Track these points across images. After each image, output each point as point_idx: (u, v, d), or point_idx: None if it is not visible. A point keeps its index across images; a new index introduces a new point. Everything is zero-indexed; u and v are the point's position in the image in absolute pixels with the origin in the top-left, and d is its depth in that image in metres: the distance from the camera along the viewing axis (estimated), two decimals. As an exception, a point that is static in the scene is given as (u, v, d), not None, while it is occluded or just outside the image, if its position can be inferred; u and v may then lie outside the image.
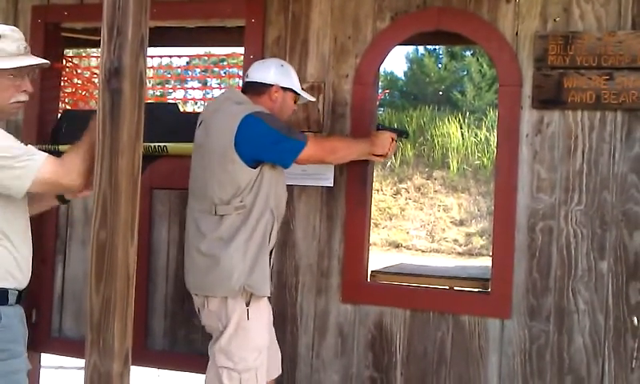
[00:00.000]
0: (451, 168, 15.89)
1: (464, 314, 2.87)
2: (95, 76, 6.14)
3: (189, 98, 7.82)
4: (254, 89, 2.68)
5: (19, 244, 2.08)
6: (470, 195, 15.36)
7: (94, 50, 5.30)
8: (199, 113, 2.85)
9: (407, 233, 14.78)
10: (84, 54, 6.05)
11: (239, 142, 2.46)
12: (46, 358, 3.75)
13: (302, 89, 2.81)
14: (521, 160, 2.81)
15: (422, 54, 20.91)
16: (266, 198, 2.54)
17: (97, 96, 1.97)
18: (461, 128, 16.49)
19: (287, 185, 2.76)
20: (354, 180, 3.00)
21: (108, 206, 1.79)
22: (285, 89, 2.69)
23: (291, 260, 3.07)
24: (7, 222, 2.03)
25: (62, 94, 4.26)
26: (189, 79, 9.90)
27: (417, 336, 2.92)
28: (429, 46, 18.75)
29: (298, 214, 3.06)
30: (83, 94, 6.04)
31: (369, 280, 3.10)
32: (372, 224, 4.03)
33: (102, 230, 1.80)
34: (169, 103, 5.89)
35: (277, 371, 2.79)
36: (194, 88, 10.22)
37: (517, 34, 2.84)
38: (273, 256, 2.65)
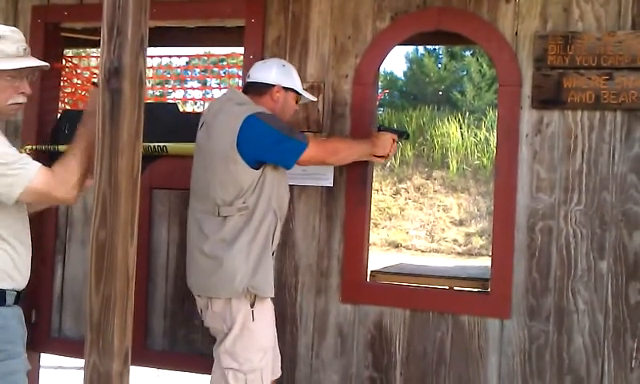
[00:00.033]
0: (451, 168, 15.89)
1: (464, 314, 2.87)
2: (95, 76, 6.15)
3: (188, 97, 7.83)
4: (255, 89, 2.68)
5: (17, 245, 2.08)
6: (470, 195, 15.36)
7: (94, 50, 5.31)
8: (199, 113, 2.85)
9: (407, 233, 14.79)
10: (84, 54, 6.06)
11: (241, 142, 2.45)
12: (46, 358, 3.75)
13: (303, 89, 2.81)
14: (520, 160, 2.81)
15: (421, 54, 20.93)
16: (268, 199, 2.54)
17: (96, 96, 1.97)
18: (460, 128, 16.49)
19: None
20: (354, 180, 3.00)
21: (108, 205, 1.79)
22: (286, 89, 2.69)
23: (291, 260, 3.07)
24: (5, 223, 2.03)
25: (61, 94, 4.26)
26: (188, 79, 9.90)
27: (416, 336, 2.92)
28: (428, 46, 18.77)
29: (298, 213, 3.06)
30: (83, 94, 6.05)
31: (368, 280, 3.10)
32: (372, 224, 4.04)
33: (101, 229, 1.80)
34: (168, 103, 5.89)
35: (277, 373, 2.79)
36: (193, 88, 10.23)
37: (516, 33, 2.84)
38: (273, 256, 2.65)
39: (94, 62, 6.53)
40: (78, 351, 2.57)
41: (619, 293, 2.70)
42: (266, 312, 2.58)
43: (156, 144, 3.25)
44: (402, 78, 21.82)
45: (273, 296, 2.59)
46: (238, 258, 2.47)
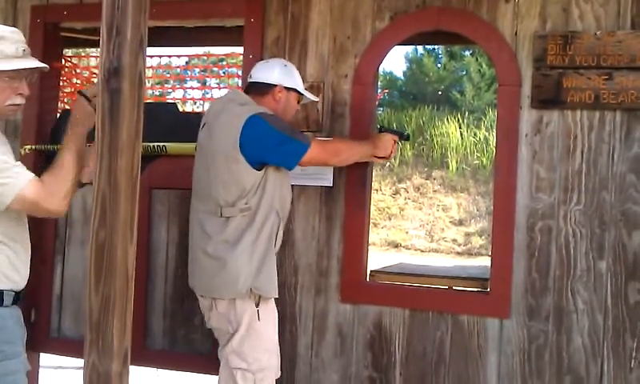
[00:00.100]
0: (450, 168, 15.89)
1: (463, 313, 2.87)
2: (94, 76, 6.14)
3: (188, 97, 7.81)
4: (257, 89, 2.67)
5: (15, 245, 2.07)
6: (469, 195, 15.36)
7: (93, 49, 5.30)
8: (198, 113, 2.85)
9: (406, 232, 14.78)
10: (83, 54, 6.04)
11: (244, 143, 2.45)
12: (45, 358, 3.75)
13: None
14: (520, 160, 2.81)
15: (421, 54, 20.92)
16: (271, 200, 2.54)
17: (96, 96, 1.97)
18: (460, 128, 16.49)
19: (286, 185, 2.76)
20: (354, 180, 3.00)
21: (107, 205, 1.79)
22: (288, 89, 2.69)
23: (290, 260, 3.07)
24: (2, 224, 2.02)
25: (61, 94, 4.26)
26: (188, 79, 9.89)
27: (416, 336, 2.92)
28: (428, 46, 18.77)
29: (298, 213, 3.06)
30: (82, 93, 6.03)
31: (368, 280, 3.10)
32: (371, 224, 4.03)
33: (101, 229, 1.80)
34: (168, 103, 5.88)
35: (277, 373, 2.79)
36: (193, 88, 10.21)
37: (516, 33, 2.84)
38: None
39: (93, 62, 6.52)
40: (78, 351, 2.57)
41: (618, 293, 2.70)
42: (270, 312, 2.58)
43: (155, 144, 3.24)
44: (402, 77, 21.83)
45: (277, 296, 2.59)
46: (242, 259, 2.47)
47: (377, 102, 3.36)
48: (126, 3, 1.78)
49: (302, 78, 2.96)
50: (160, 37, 3.52)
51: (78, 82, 6.05)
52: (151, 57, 5.99)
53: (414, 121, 17.19)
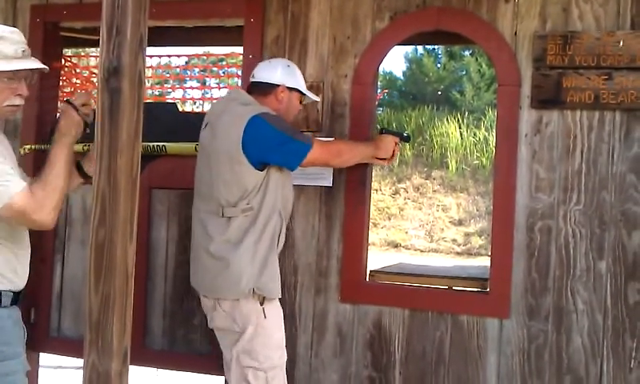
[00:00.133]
0: (450, 168, 15.90)
1: (463, 313, 2.87)
2: (94, 75, 6.14)
3: (188, 97, 7.82)
4: (259, 89, 2.67)
5: (14, 245, 2.07)
6: (469, 195, 15.37)
7: (93, 49, 5.30)
8: (198, 113, 2.85)
9: (406, 232, 14.79)
10: (83, 54, 6.05)
11: (246, 143, 2.45)
12: (45, 358, 3.75)
13: None
14: (520, 160, 2.81)
15: (420, 54, 20.93)
16: (273, 200, 2.53)
17: (96, 95, 1.96)
18: (460, 128, 16.50)
19: (286, 184, 2.76)
20: (353, 180, 3.00)
21: (107, 204, 1.79)
22: (291, 89, 2.69)
23: (290, 259, 3.07)
24: (1, 224, 2.02)
25: (60, 94, 4.26)
26: (188, 79, 9.90)
27: (415, 336, 2.92)
28: (428, 46, 18.77)
29: (297, 213, 3.06)
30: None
31: (367, 280, 3.10)
32: (371, 224, 4.03)
33: (100, 228, 1.80)
34: (168, 103, 5.89)
35: None
36: (192, 88, 10.23)
37: (516, 33, 2.84)
38: None
39: (93, 62, 6.52)
40: (77, 351, 2.57)
41: (618, 293, 2.70)
42: (276, 309, 2.58)
43: (155, 144, 3.24)
44: (402, 77, 21.84)
45: (280, 297, 2.59)
46: (244, 259, 2.47)
47: (376, 102, 3.36)
48: (126, 3, 1.78)
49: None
50: (160, 37, 3.52)
51: (78, 81, 6.06)
52: (151, 57, 6.00)
53: (414, 121, 17.20)
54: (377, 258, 7.40)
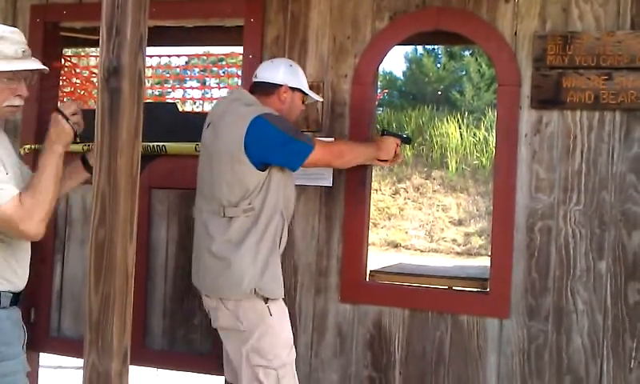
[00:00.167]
0: (450, 168, 15.89)
1: (463, 313, 2.87)
2: (94, 75, 6.14)
3: (187, 97, 7.81)
4: (262, 89, 2.66)
5: (14, 247, 2.06)
6: (469, 195, 15.37)
7: (93, 49, 5.30)
8: (198, 112, 2.85)
9: (406, 232, 14.79)
10: (83, 54, 6.05)
11: (248, 144, 2.44)
12: (45, 358, 3.75)
13: None
14: (520, 160, 2.81)
15: (420, 54, 20.93)
16: (275, 201, 2.53)
17: (95, 95, 1.96)
18: (459, 128, 16.49)
19: (286, 184, 2.76)
20: (353, 180, 3.00)
21: (107, 204, 1.79)
22: (293, 89, 2.68)
23: (290, 259, 3.07)
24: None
25: (60, 94, 4.26)
26: (187, 79, 9.90)
27: (415, 336, 2.92)
28: (428, 46, 18.78)
29: (297, 213, 3.06)
30: (82, 93, 6.04)
31: (367, 280, 3.10)
32: (371, 224, 4.03)
33: (100, 228, 1.80)
34: (167, 103, 5.89)
35: None
36: (192, 87, 10.21)
37: (516, 33, 2.84)
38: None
39: (93, 62, 6.52)
40: (77, 350, 2.57)
41: (618, 293, 2.70)
42: (281, 307, 2.58)
43: (155, 143, 3.24)
44: (401, 77, 21.84)
45: (283, 297, 2.59)
46: (246, 260, 2.47)
47: (376, 102, 3.36)
48: (126, 3, 1.78)
49: (303, 78, 2.96)
50: (160, 36, 3.52)
51: (78, 81, 6.06)
52: (151, 56, 6.00)
53: (414, 121, 17.20)
54: (377, 258, 7.40)
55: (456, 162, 15.90)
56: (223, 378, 3.03)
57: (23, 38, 2.07)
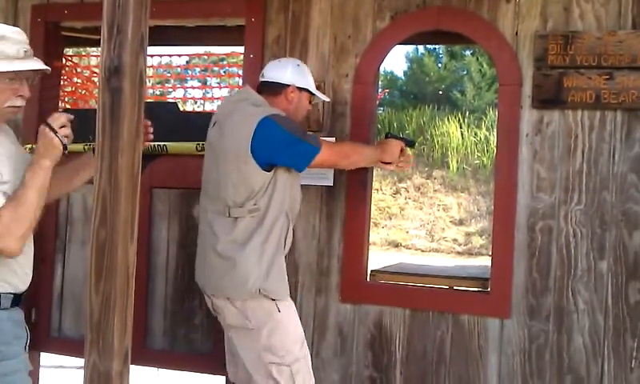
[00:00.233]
0: (451, 167, 15.89)
1: (463, 313, 2.87)
2: (95, 75, 6.16)
3: (188, 97, 7.82)
4: (269, 89, 2.66)
5: None
6: (470, 195, 15.37)
7: (94, 49, 5.31)
8: (199, 112, 2.85)
9: (407, 232, 14.79)
10: (84, 53, 6.06)
11: (255, 144, 2.44)
12: (46, 358, 3.75)
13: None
14: (520, 159, 2.81)
15: (421, 54, 20.93)
16: (281, 201, 2.53)
17: (96, 95, 1.95)
18: (460, 127, 16.49)
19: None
20: (354, 180, 3.00)
21: (108, 204, 1.79)
22: (300, 89, 2.68)
23: (291, 259, 3.06)
24: None
25: (61, 93, 4.26)
26: (188, 78, 9.89)
27: (416, 335, 2.92)
28: (429, 46, 18.77)
29: (298, 213, 3.05)
30: (83, 93, 6.06)
31: (368, 279, 3.10)
32: (372, 223, 4.03)
33: (101, 228, 1.79)
34: (168, 102, 5.90)
35: None
36: (193, 87, 10.21)
37: (517, 33, 2.84)
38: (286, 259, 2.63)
39: (94, 61, 6.53)
40: (78, 350, 2.56)
41: (619, 292, 2.69)
42: (289, 304, 2.58)
43: (156, 143, 3.24)
44: (402, 77, 21.83)
45: (288, 297, 2.58)
46: (251, 260, 2.46)
47: (377, 102, 3.36)
48: (127, 2, 1.78)
49: (303, 78, 2.96)
50: (161, 36, 3.53)
51: (79, 81, 6.07)
52: (152, 56, 6.01)
53: (415, 120, 17.19)
54: (378, 258, 7.40)
55: (457, 162, 15.89)
56: (224, 377, 3.03)
57: (25, 37, 2.06)
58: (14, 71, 1.99)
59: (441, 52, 20.75)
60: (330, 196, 3.04)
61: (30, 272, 2.13)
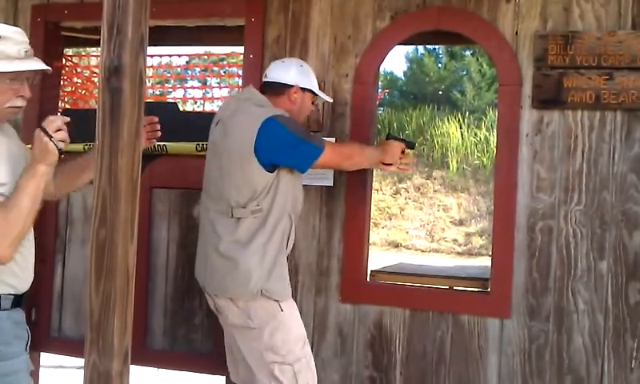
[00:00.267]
0: (451, 168, 15.89)
1: (463, 313, 2.87)
2: (95, 75, 6.16)
3: (188, 97, 7.81)
4: (272, 89, 2.65)
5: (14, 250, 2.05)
6: (470, 195, 15.37)
7: (94, 49, 5.31)
8: (199, 112, 2.84)
9: (407, 232, 14.79)
10: (84, 53, 6.06)
11: (259, 145, 2.43)
12: (46, 358, 3.75)
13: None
14: (520, 160, 2.81)
15: (421, 54, 20.93)
16: (283, 202, 2.52)
17: (96, 95, 1.95)
18: (460, 128, 16.49)
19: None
20: (354, 180, 3.00)
21: (108, 204, 1.79)
22: (304, 89, 2.67)
23: (291, 259, 3.06)
24: None
25: (61, 93, 4.26)
26: (188, 78, 9.89)
27: (416, 336, 2.92)
28: (428, 46, 18.76)
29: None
30: (83, 93, 6.06)
31: (368, 279, 3.10)
32: (371, 223, 4.03)
33: (101, 228, 1.79)
34: (168, 102, 5.89)
35: None
36: (193, 87, 10.20)
37: (517, 33, 2.84)
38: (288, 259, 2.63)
39: (94, 61, 6.53)
40: (78, 350, 2.57)
41: (619, 293, 2.69)
42: (291, 304, 2.58)
43: (156, 143, 3.24)
44: (402, 77, 21.83)
45: (290, 298, 2.58)
46: (253, 261, 2.46)
47: (377, 102, 3.36)
48: (127, 2, 1.78)
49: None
50: (161, 36, 3.52)
51: (79, 81, 6.07)
52: (152, 56, 6.01)
53: (415, 121, 17.19)
54: (377, 258, 7.40)
55: (457, 162, 15.89)
56: (224, 377, 3.03)
57: (26, 37, 2.05)
58: (14, 71, 1.99)
59: (441, 52, 20.76)
60: (329, 196, 3.04)
61: (31, 273, 2.13)
